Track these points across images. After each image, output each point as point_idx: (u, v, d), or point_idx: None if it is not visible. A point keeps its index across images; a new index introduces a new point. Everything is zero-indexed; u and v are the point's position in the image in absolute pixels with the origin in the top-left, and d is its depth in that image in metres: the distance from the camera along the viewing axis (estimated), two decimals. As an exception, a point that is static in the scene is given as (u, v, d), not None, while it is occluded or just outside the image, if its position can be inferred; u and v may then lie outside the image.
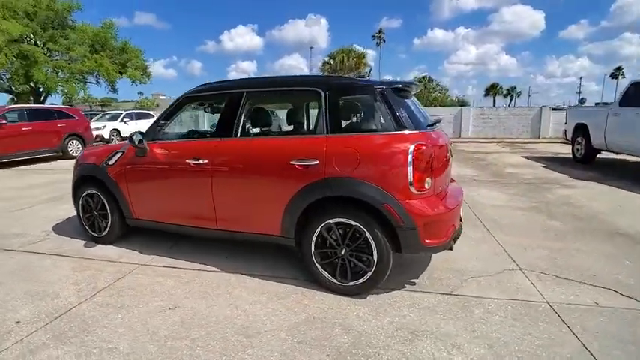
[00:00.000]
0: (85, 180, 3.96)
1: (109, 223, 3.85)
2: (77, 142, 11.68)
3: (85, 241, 3.99)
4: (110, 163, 3.72)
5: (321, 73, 36.61)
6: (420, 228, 2.55)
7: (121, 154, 3.68)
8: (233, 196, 3.11)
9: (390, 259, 2.65)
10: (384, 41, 60.03)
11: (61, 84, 24.35)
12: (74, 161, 4.31)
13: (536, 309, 2.51)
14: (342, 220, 2.68)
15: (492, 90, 69.14)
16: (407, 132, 2.62)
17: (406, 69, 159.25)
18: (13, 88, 24.54)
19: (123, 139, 16.11)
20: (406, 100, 2.91)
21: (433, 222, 2.61)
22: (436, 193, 2.73)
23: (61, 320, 2.47)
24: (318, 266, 2.82)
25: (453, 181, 3.45)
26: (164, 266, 3.35)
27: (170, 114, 3.59)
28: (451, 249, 2.74)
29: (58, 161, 10.94)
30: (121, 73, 27.84)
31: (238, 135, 3.15)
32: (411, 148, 2.52)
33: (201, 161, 3.16)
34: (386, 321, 2.42)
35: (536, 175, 7.58)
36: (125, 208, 3.72)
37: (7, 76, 23.97)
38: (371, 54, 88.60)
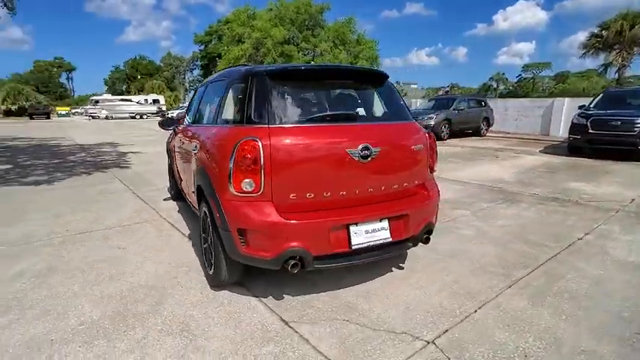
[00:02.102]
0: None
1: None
2: None
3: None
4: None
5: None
6: (233, 233, 2.16)
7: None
8: None
9: (222, 257, 2.35)
10: None
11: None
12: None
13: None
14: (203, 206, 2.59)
15: None
16: (250, 125, 2.20)
17: None
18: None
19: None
20: (294, 87, 2.41)
21: (251, 230, 2.13)
22: (281, 200, 2.13)
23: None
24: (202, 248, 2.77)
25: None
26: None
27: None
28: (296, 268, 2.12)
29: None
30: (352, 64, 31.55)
31: None
32: (237, 143, 2.12)
33: None
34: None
35: None
36: None
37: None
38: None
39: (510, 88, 56.26)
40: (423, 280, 2.66)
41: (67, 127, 21.60)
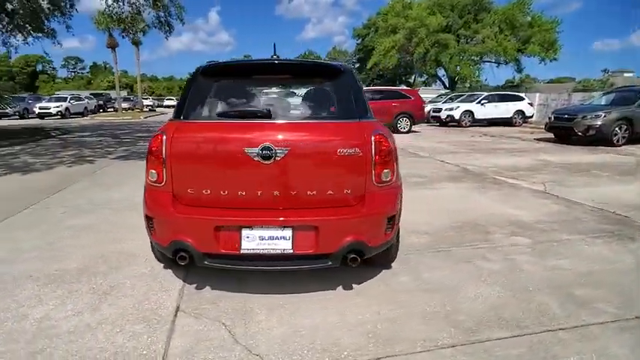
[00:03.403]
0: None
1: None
2: (406, 120, 13.86)
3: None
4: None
5: None
6: (145, 219, 2.33)
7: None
8: None
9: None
10: None
11: (459, 65, 27.46)
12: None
13: None
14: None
15: None
16: (172, 120, 2.33)
17: None
18: (424, 72, 30.65)
19: (475, 120, 16.61)
20: (227, 83, 2.43)
21: (152, 218, 2.24)
22: (179, 193, 2.16)
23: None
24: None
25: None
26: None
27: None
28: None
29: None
30: (520, 51, 27.12)
31: None
32: (152, 137, 2.24)
33: None
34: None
35: None
36: None
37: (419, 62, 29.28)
38: None
39: None
40: (356, 307, 2.24)
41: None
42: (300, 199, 2.14)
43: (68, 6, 10.78)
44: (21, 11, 9.84)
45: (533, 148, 9.53)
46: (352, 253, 2.12)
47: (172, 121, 2.30)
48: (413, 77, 35.60)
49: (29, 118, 22.63)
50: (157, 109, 39.86)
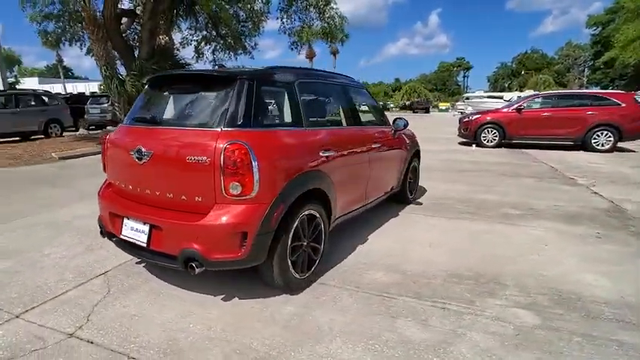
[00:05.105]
0: None
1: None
2: (608, 134, 10.15)
3: None
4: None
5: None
6: None
7: None
8: None
9: None
10: None
11: None
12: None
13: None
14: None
15: None
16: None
17: None
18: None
19: None
20: (155, 91, 2.73)
21: None
22: (111, 182, 2.63)
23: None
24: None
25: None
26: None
27: None
28: None
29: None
30: None
31: None
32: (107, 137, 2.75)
33: None
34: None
35: None
36: None
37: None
38: None
39: None
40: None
41: (417, 119, 25.62)
42: (161, 199, 2.27)
43: (258, 28, 13.61)
44: (229, 35, 13.13)
45: None
46: (190, 260, 2.07)
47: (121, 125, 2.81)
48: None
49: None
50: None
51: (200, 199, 2.13)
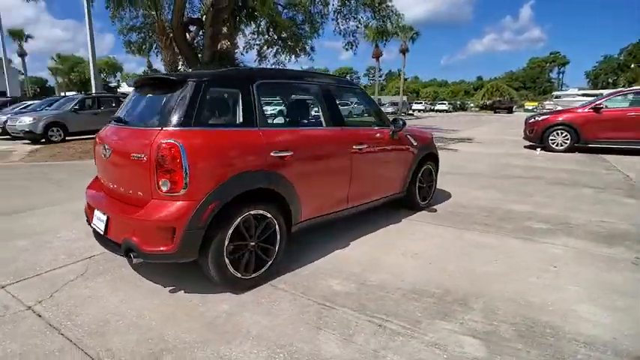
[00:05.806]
0: None
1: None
2: None
3: None
4: None
5: None
6: None
7: None
8: None
9: None
10: None
11: None
12: None
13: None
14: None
15: None
16: None
17: None
18: None
19: None
20: (135, 94, 2.89)
21: None
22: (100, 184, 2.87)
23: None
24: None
25: None
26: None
27: None
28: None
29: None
30: None
31: None
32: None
33: None
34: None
35: None
36: None
37: None
38: None
39: None
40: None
41: (492, 120, 23.56)
42: (118, 193, 2.49)
43: (316, 30, 13.79)
44: (289, 38, 13.57)
45: None
46: (130, 250, 2.22)
47: None
48: None
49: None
50: (423, 113, 41.21)
51: (141, 194, 2.28)
